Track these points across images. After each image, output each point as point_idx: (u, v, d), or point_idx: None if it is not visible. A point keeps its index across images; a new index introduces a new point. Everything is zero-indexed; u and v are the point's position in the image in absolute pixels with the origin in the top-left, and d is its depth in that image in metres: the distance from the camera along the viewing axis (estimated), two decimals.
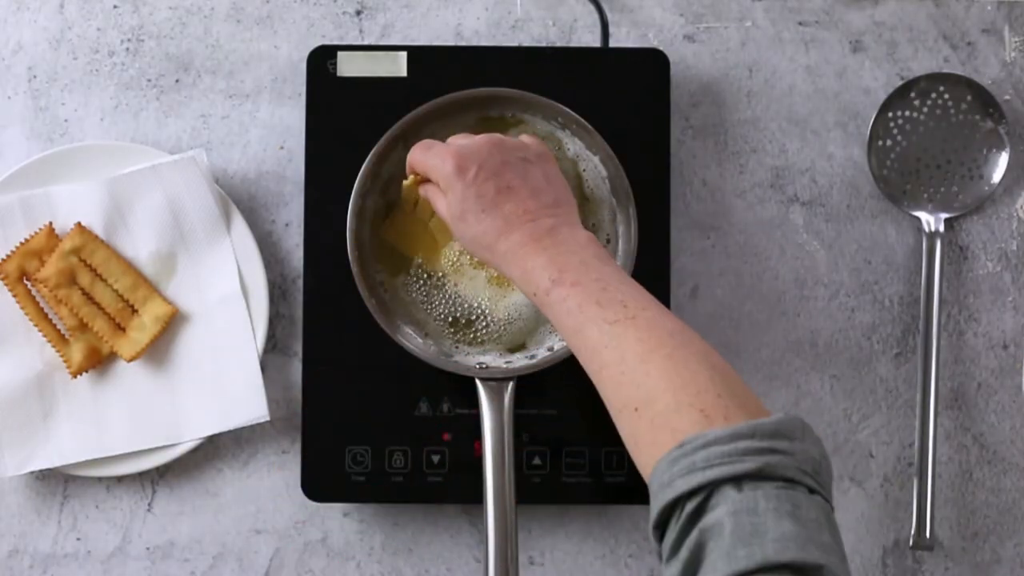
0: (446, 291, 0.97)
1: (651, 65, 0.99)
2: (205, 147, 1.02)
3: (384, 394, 0.98)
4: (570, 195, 0.88)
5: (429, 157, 0.88)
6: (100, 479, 1.00)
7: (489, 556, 0.88)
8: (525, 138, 0.91)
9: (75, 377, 0.98)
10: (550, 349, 0.95)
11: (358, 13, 1.04)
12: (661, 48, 1.01)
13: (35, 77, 1.03)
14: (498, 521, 0.89)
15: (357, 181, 0.95)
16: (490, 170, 0.85)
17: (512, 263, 0.84)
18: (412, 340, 0.95)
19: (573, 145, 0.97)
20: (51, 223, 0.98)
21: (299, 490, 0.98)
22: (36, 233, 0.98)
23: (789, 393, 1.02)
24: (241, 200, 1.01)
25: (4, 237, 0.98)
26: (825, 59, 1.04)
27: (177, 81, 1.03)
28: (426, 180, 0.91)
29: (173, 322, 0.99)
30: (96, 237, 0.98)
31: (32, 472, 0.99)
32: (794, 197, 1.03)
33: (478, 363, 0.95)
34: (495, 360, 0.95)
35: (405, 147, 0.96)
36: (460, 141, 0.89)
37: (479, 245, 0.86)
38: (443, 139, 0.91)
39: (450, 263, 0.97)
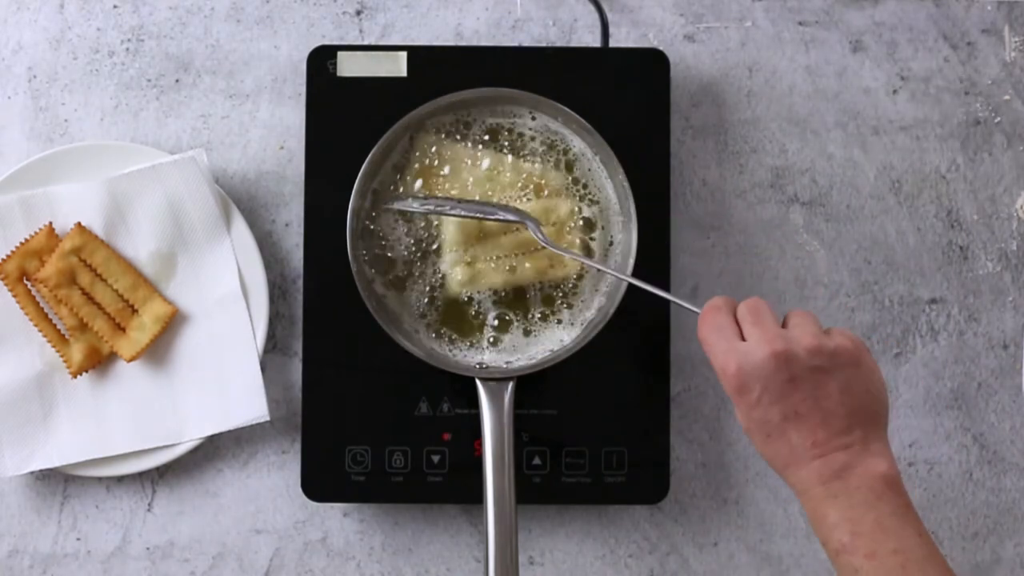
0: (443, 302, 0.96)
1: (651, 65, 0.99)
2: (205, 147, 1.02)
3: (384, 394, 0.98)
4: (876, 405, 0.79)
5: (713, 347, 0.80)
6: (100, 479, 1.00)
7: (489, 556, 0.88)
8: (836, 335, 0.80)
9: (75, 377, 0.98)
10: (550, 350, 0.95)
11: (358, 13, 1.04)
12: (661, 48, 1.01)
13: (35, 77, 1.03)
14: (498, 521, 0.89)
15: (357, 181, 0.94)
16: (775, 393, 0.78)
17: (802, 499, 0.79)
18: (412, 340, 0.95)
19: (573, 145, 0.97)
20: (51, 223, 0.98)
21: (299, 490, 0.98)
22: (36, 233, 0.98)
23: None
24: (241, 200, 1.01)
25: (4, 237, 0.98)
26: (825, 59, 1.04)
27: (177, 81, 1.03)
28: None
29: (173, 322, 0.99)
30: (96, 237, 0.98)
31: (32, 472, 0.99)
32: (794, 197, 1.03)
33: (478, 363, 0.95)
34: (495, 360, 0.95)
35: (405, 147, 0.96)
36: (749, 335, 0.80)
37: (768, 463, 0.80)
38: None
39: (454, 281, 0.96)
